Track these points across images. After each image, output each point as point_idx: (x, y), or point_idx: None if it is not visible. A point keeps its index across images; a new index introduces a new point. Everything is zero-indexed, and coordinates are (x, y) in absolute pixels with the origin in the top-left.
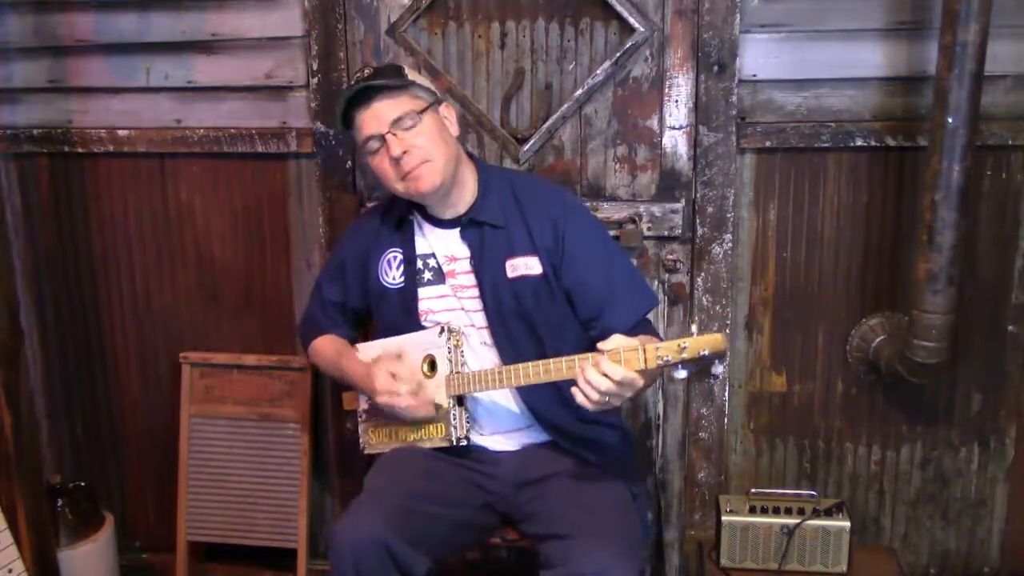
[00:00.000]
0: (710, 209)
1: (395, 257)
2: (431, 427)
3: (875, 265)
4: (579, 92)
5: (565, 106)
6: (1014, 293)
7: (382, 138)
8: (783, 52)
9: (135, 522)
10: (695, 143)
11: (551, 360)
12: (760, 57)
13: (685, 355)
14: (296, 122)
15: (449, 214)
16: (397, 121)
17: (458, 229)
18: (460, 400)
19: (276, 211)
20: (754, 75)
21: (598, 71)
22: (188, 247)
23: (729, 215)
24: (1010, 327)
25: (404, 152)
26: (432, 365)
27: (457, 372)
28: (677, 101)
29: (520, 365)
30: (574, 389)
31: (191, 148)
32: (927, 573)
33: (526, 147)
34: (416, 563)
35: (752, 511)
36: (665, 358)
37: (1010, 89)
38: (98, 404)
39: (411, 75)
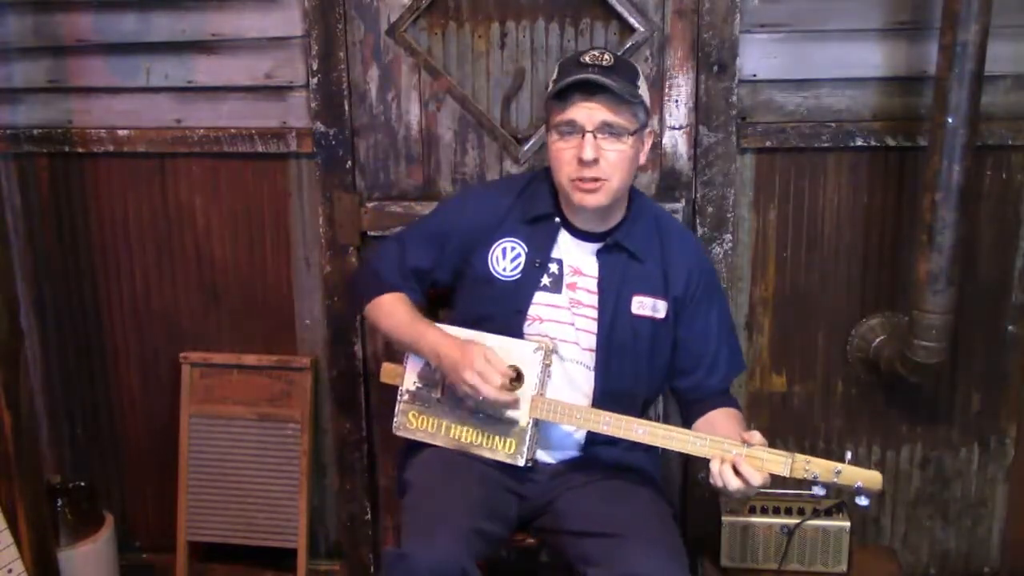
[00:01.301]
0: (710, 209)
1: (512, 247)
2: (498, 439)
3: (875, 265)
4: None
5: None
6: (1014, 293)
7: (583, 133)
8: (783, 52)
9: (135, 522)
10: (695, 143)
11: (672, 428)
12: (760, 57)
13: (837, 480)
14: (296, 122)
15: (591, 227)
16: (606, 126)
17: (595, 245)
18: (536, 421)
19: (276, 211)
20: (754, 75)
21: None
22: (188, 247)
23: (729, 215)
24: (1010, 327)
25: (593, 160)
26: (515, 377)
27: (541, 394)
28: (677, 101)
29: (626, 419)
30: (713, 475)
31: (191, 148)
32: (927, 573)
33: (526, 147)
34: None
35: (752, 511)
36: (813, 474)
37: (1010, 89)
38: (98, 404)
39: (642, 87)
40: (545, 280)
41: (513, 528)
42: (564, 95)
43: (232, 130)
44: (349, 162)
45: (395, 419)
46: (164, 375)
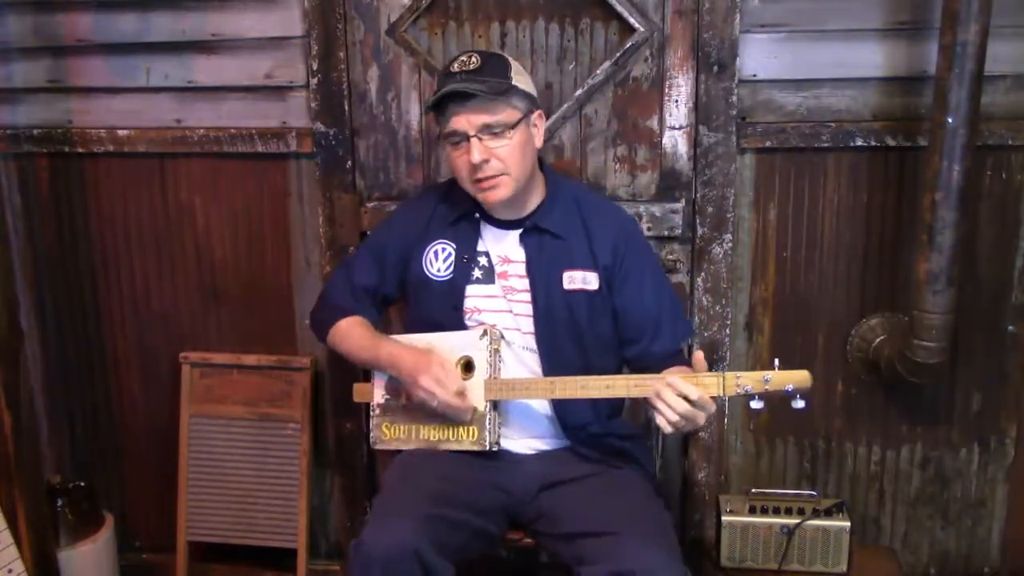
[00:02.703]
0: (710, 209)
1: (443, 248)
2: (461, 430)
3: (875, 265)
4: (579, 92)
5: (565, 106)
6: (1014, 293)
7: (467, 137)
8: (783, 52)
9: (135, 522)
10: (695, 143)
11: (613, 377)
12: (760, 57)
13: (768, 388)
14: (296, 122)
15: (510, 216)
16: (486, 127)
17: (518, 232)
18: (495, 404)
19: (276, 211)
20: (754, 75)
21: (598, 71)
22: (188, 247)
23: (729, 215)
24: (1010, 327)
25: (484, 160)
26: (467, 367)
27: (495, 377)
28: (677, 101)
29: (574, 378)
30: (656, 413)
31: (191, 148)
32: (927, 573)
33: None
34: (445, 571)
35: (752, 511)
36: (745, 388)
37: (1010, 89)
38: (98, 404)
39: (515, 76)
40: (477, 273)
41: (503, 523)
42: (441, 107)
43: (232, 130)
44: (349, 162)
45: (371, 434)
46: (164, 375)
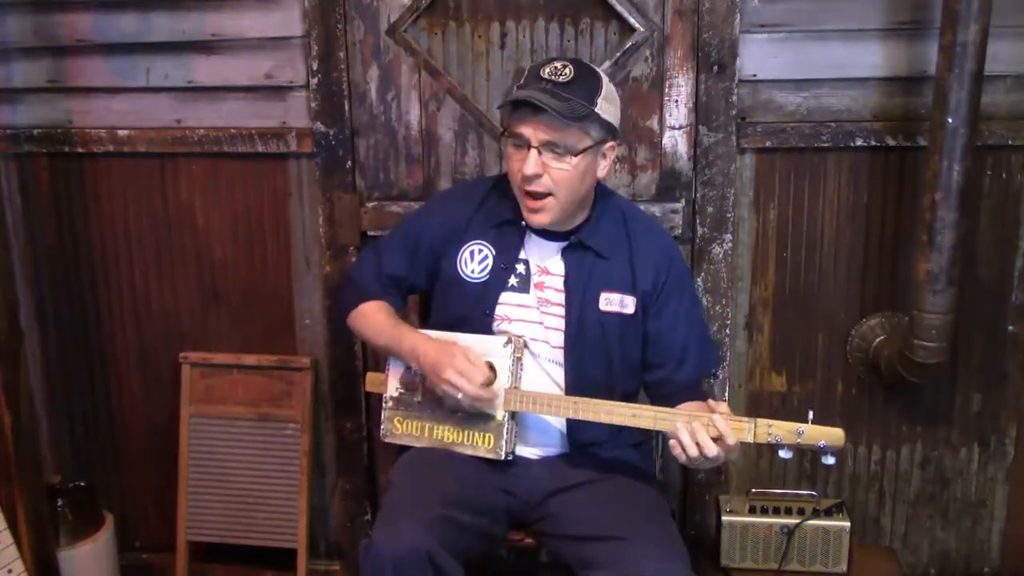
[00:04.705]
0: (710, 209)
1: (479, 250)
2: (477, 435)
3: (875, 265)
4: None
5: None
6: (1014, 293)
7: (529, 145)
8: (783, 52)
9: (135, 522)
10: (695, 143)
11: (640, 407)
12: (760, 57)
13: (800, 441)
14: (296, 122)
15: (555, 227)
16: (550, 144)
17: (561, 244)
18: (512, 414)
19: (276, 211)
20: (754, 75)
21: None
22: (188, 247)
23: (729, 215)
24: (1010, 327)
25: (536, 175)
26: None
27: (515, 386)
28: (677, 101)
29: (599, 402)
30: (672, 443)
31: (191, 148)
32: (927, 573)
33: None
34: (456, 572)
35: (752, 511)
36: (776, 437)
37: (1010, 89)
38: (98, 404)
39: (602, 102)
40: (512, 281)
41: (506, 525)
42: (516, 106)
43: (232, 130)
44: (349, 162)
45: (382, 426)
46: (164, 375)
